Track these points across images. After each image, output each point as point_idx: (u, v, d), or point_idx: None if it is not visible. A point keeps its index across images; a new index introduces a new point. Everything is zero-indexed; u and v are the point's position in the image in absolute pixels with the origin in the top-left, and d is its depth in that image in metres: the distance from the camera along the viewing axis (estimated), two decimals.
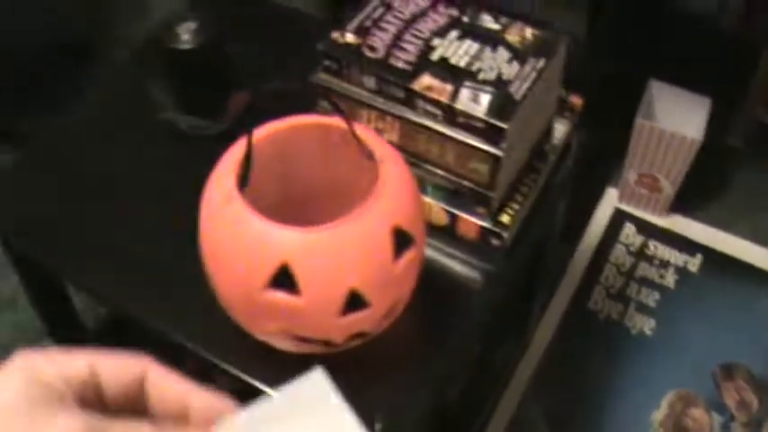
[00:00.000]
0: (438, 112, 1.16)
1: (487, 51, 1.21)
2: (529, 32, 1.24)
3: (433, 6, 1.28)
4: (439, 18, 1.26)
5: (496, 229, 1.22)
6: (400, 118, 1.21)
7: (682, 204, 2.08)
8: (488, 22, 1.26)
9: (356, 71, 1.21)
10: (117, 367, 0.51)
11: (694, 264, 2.02)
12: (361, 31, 1.23)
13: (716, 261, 2.03)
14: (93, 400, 0.50)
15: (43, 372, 0.48)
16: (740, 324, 1.93)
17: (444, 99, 1.15)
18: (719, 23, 2.18)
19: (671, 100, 1.99)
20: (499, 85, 1.16)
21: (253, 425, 0.51)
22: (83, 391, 0.49)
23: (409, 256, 1.02)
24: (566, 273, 1.99)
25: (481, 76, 1.17)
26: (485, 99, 1.14)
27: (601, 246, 2.04)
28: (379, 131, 1.24)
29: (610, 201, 2.12)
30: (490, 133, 1.14)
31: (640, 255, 2.03)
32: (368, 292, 1.00)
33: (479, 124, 1.14)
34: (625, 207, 2.10)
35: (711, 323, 1.93)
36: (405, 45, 1.21)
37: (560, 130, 1.38)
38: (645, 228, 2.08)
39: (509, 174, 1.22)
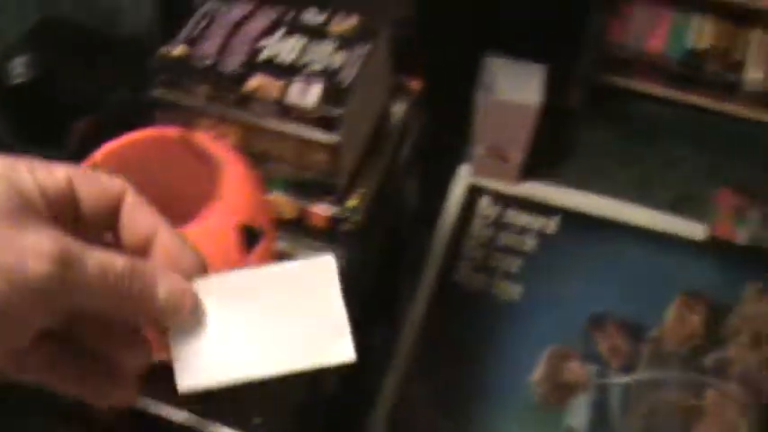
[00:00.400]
0: (272, 109, 1.22)
1: (314, 44, 1.27)
2: (352, 21, 1.31)
3: (258, 8, 1.34)
4: (264, 19, 1.32)
5: (345, 215, 1.29)
6: (237, 121, 1.26)
7: (533, 170, 2.18)
8: (313, 15, 1.32)
9: (188, 81, 1.26)
10: (96, 185, 0.51)
11: (552, 226, 2.13)
12: (190, 43, 1.28)
13: (573, 220, 2.14)
14: (69, 219, 0.49)
15: (21, 180, 0.47)
16: (604, 275, 2.04)
17: (276, 96, 1.21)
18: None
19: (507, 72, 2.08)
20: (328, 75, 1.23)
21: (237, 287, 0.53)
22: (59, 206, 0.49)
23: (260, 250, 1.07)
24: (429, 251, 2.07)
25: (310, 68, 1.24)
26: (315, 90, 1.21)
27: (459, 221, 2.13)
28: (220, 136, 1.29)
29: (463, 177, 2.21)
30: (325, 122, 1.21)
31: (499, 225, 2.13)
32: None
33: (313, 115, 1.20)
34: (478, 181, 2.20)
35: (577, 279, 2.04)
36: (233, 50, 1.27)
37: (399, 112, 1.45)
38: (500, 198, 2.18)
39: (351, 160, 1.29)
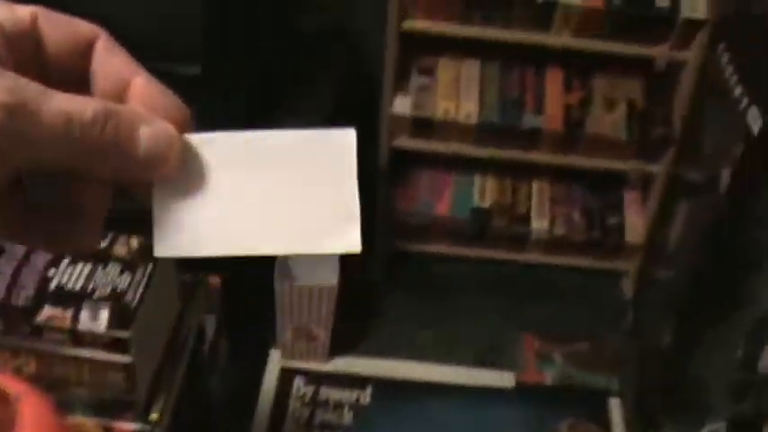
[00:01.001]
0: (65, 337, 1.33)
1: (99, 269, 1.39)
2: (134, 242, 1.44)
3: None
4: None
5: (149, 429, 1.39)
6: (33, 351, 1.36)
7: (341, 345, 2.33)
8: None
9: None
10: (65, 26, 0.47)
11: (366, 396, 2.26)
12: None
13: (385, 388, 2.28)
14: (32, 64, 0.46)
15: None
16: None
17: (67, 325, 1.32)
18: None
19: (303, 255, 2.24)
20: (115, 298, 1.35)
21: (235, 148, 0.49)
22: (20, 46, 0.45)
23: None
24: None
25: (97, 294, 1.35)
26: (104, 315, 1.32)
27: (276, 405, 2.24)
28: (17, 369, 1.38)
29: (275, 361, 2.33)
30: (117, 345, 1.32)
31: (315, 403, 2.25)
32: None
33: (105, 339, 1.31)
34: (290, 363, 2.33)
35: None
36: (23, 282, 1.38)
37: (198, 312, 1.57)
38: (312, 377, 2.30)
39: (147, 375, 1.41)
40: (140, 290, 1.37)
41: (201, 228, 0.48)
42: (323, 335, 2.27)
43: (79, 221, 0.49)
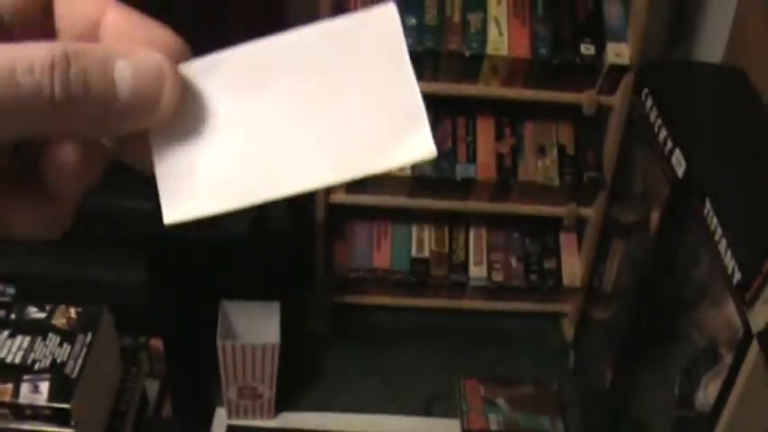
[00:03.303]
0: (6, 411, 1.33)
1: (39, 341, 1.40)
2: (73, 312, 1.45)
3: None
4: None
5: None
6: None
7: (286, 401, 2.34)
8: (34, 312, 1.45)
9: None
10: None
11: None
12: None
13: None
14: None
15: None
16: None
17: (7, 399, 1.32)
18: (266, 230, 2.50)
19: (244, 314, 2.26)
20: (55, 369, 1.35)
21: (247, 67, 0.39)
22: None
23: None
24: None
25: (37, 366, 1.36)
26: (44, 387, 1.33)
27: None
28: None
29: (221, 420, 2.33)
30: (58, 416, 1.33)
31: None
32: None
33: (46, 411, 1.32)
34: (236, 421, 2.33)
35: None
36: None
37: (137, 377, 1.58)
38: None
39: None
40: (80, 360, 1.38)
41: (220, 176, 0.39)
42: (268, 392, 2.28)
43: (49, 200, 0.41)
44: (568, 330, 2.52)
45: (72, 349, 1.39)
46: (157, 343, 2.13)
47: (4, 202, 0.41)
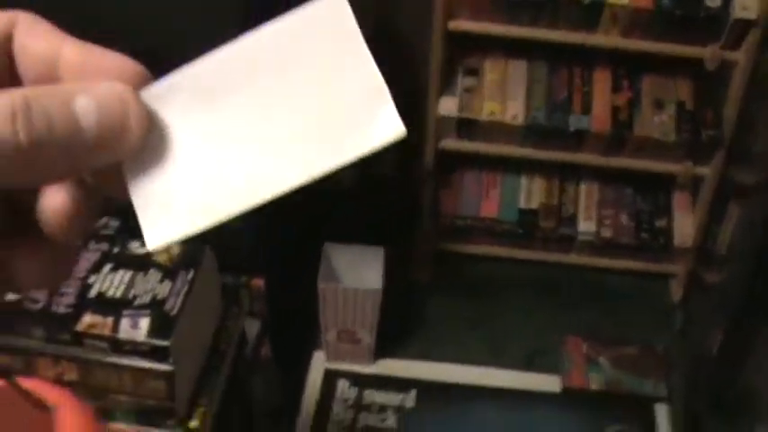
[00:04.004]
0: (105, 345, 1.33)
1: (140, 276, 1.39)
2: (175, 248, 1.44)
3: (85, 246, 1.46)
4: (91, 255, 1.44)
5: None
6: (74, 358, 1.37)
7: (386, 348, 2.32)
8: (137, 248, 1.45)
9: (22, 324, 1.36)
10: None
11: (410, 400, 2.25)
12: None
13: (429, 392, 2.27)
14: None
15: None
16: None
17: (107, 332, 1.32)
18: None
19: (347, 258, 2.24)
20: (155, 306, 1.35)
21: (206, 80, 0.39)
22: None
23: None
24: None
25: (138, 301, 1.36)
26: (144, 323, 1.32)
27: (319, 408, 2.24)
28: (58, 376, 1.39)
29: (318, 363, 2.33)
30: (157, 353, 1.32)
31: (358, 406, 2.24)
32: None
33: (144, 347, 1.32)
34: (334, 365, 2.32)
35: None
36: (64, 289, 1.38)
37: (237, 317, 1.57)
38: (357, 379, 2.30)
39: (187, 383, 1.41)
40: (181, 297, 1.37)
41: (194, 196, 0.39)
42: (367, 338, 2.27)
43: (51, 248, 0.40)
44: (676, 292, 2.45)
45: (173, 286, 1.38)
46: (258, 283, 2.12)
47: (6, 256, 0.40)
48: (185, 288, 1.38)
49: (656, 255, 2.39)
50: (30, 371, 1.40)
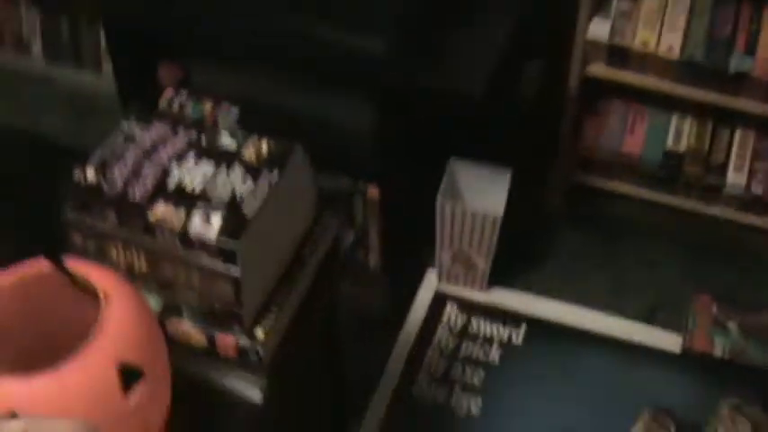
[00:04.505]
0: (175, 238, 1.26)
1: (223, 171, 1.31)
2: (264, 145, 1.35)
3: (173, 131, 1.38)
4: (178, 142, 1.36)
5: (252, 346, 1.32)
6: (144, 248, 1.30)
7: (501, 276, 2.20)
8: (226, 140, 1.36)
9: (97, 207, 1.30)
10: None
11: (518, 335, 2.14)
12: (102, 166, 1.32)
13: (540, 329, 2.15)
14: None
15: None
16: (568, 390, 2.05)
17: (177, 226, 1.25)
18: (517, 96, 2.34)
19: (472, 177, 2.12)
20: (232, 205, 1.26)
21: None
22: None
23: (142, 389, 1.10)
24: (387, 362, 2.08)
25: (215, 197, 1.27)
26: (216, 221, 1.24)
27: (423, 329, 2.15)
28: (129, 263, 1.33)
29: (430, 283, 2.23)
30: (226, 254, 1.24)
31: (463, 334, 2.14)
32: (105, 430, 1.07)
33: (213, 247, 1.23)
34: (445, 288, 2.22)
35: (539, 393, 2.05)
36: (143, 175, 1.31)
37: (330, 226, 1.48)
38: (466, 306, 2.19)
39: (258, 291, 1.32)
40: (261, 199, 1.28)
41: None
42: (482, 263, 2.15)
43: None
44: None
45: (255, 186, 1.29)
46: (374, 191, 2.03)
47: None
48: (267, 190, 1.29)
49: None
50: (101, 256, 1.34)
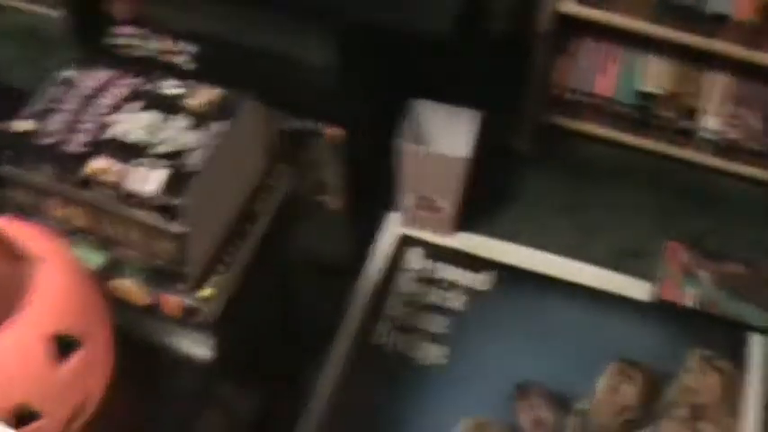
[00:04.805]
0: (113, 193, 1.18)
1: (168, 121, 1.24)
2: (214, 94, 1.27)
3: (117, 76, 1.30)
4: (121, 90, 1.28)
5: (198, 305, 1.25)
6: (83, 203, 1.23)
7: (468, 220, 2.14)
8: (172, 87, 1.28)
9: (32, 159, 1.22)
10: None
11: (485, 282, 2.08)
12: (38, 114, 1.25)
13: (507, 276, 2.10)
14: None
15: None
16: (536, 338, 2.00)
17: (115, 180, 1.17)
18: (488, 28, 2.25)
19: (437, 119, 2.05)
20: (176, 158, 1.19)
21: None
22: None
23: (79, 356, 1.04)
24: (347, 311, 2.02)
25: (158, 150, 1.20)
26: (158, 176, 1.17)
27: (385, 276, 2.09)
28: (67, 218, 1.25)
29: (394, 227, 2.16)
30: (168, 211, 1.17)
31: (427, 280, 2.08)
32: (37, 404, 1.01)
33: (153, 202, 1.16)
34: (409, 232, 2.16)
35: (506, 342, 2.00)
36: (82, 125, 1.24)
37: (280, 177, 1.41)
38: (431, 251, 2.13)
39: (204, 246, 1.25)
40: (207, 152, 1.20)
41: None
42: (448, 208, 2.09)
43: None
44: None
45: (202, 137, 1.21)
46: (336, 132, 1.95)
47: None
48: (214, 141, 1.21)
49: None
50: (39, 211, 1.26)
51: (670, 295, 2.05)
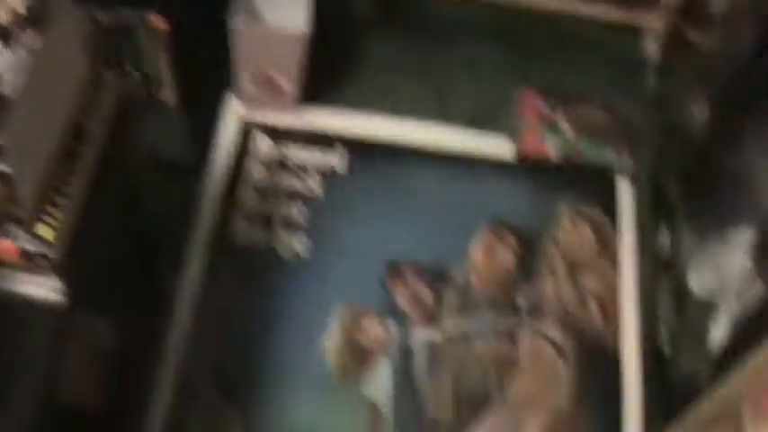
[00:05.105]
0: None
1: None
2: (20, 5, 1.09)
3: None
4: None
5: (38, 248, 1.10)
6: None
7: (313, 96, 2.00)
8: None
9: None
10: None
11: (338, 161, 1.97)
12: None
13: (361, 151, 1.99)
14: None
15: None
16: (400, 214, 1.91)
17: None
18: None
19: None
20: None
21: None
22: None
23: None
24: (199, 208, 1.88)
25: None
26: None
27: (232, 166, 1.95)
28: None
29: (233, 113, 2.01)
30: None
31: (277, 165, 1.95)
32: None
33: None
34: (250, 115, 2.01)
35: (369, 222, 1.90)
36: None
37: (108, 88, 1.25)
38: (277, 133, 2.00)
39: (35, 180, 1.10)
40: (21, 76, 1.03)
41: None
42: (288, 85, 1.94)
43: None
44: (652, 48, 2.12)
45: (10, 58, 1.04)
46: (159, 21, 1.77)
47: None
48: (28, 59, 1.04)
49: (632, 3, 2.05)
50: None
51: (532, 149, 1.98)
